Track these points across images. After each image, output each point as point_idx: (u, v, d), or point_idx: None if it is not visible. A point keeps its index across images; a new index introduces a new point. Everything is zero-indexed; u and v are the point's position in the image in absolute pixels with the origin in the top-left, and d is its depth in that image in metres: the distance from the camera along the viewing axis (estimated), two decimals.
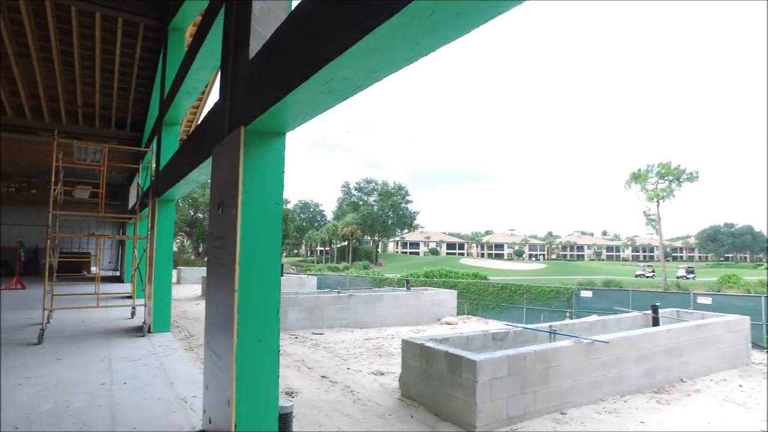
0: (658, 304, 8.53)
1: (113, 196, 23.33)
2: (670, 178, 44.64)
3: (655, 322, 8.21)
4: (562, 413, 5.23)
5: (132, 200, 17.69)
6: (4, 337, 7.39)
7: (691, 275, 56.92)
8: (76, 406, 4.35)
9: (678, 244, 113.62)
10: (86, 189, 18.27)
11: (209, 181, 4.55)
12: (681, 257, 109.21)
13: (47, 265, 7.97)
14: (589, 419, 5.07)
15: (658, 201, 45.26)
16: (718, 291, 28.44)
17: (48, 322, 7.78)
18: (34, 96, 12.31)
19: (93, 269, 20.21)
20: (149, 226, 8.36)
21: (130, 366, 5.82)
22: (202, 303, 12.88)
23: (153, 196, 8.29)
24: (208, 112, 4.75)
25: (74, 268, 18.98)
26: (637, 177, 46.33)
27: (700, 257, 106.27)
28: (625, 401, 5.75)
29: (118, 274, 20.86)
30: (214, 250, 3.67)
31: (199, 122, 7.58)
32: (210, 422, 3.56)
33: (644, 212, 47.73)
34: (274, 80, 2.79)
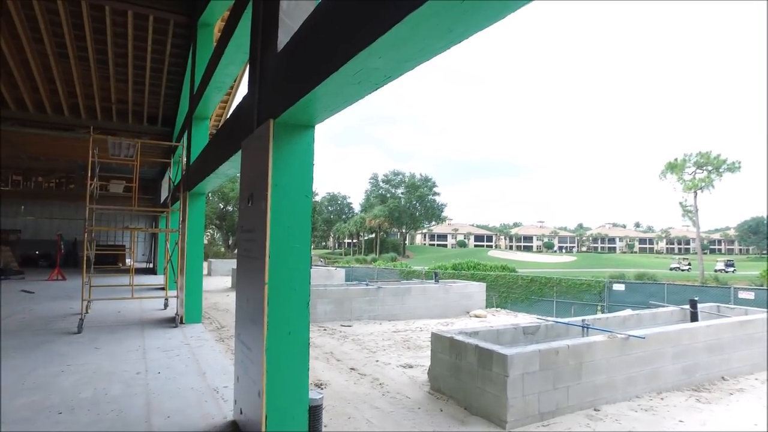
0: (696, 298, 8.21)
1: (146, 190, 23.99)
2: (710, 168, 42.98)
3: (694, 318, 7.91)
4: (595, 410, 5.10)
5: (164, 194, 18.12)
6: (48, 326, 7.69)
7: (731, 269, 54.81)
8: (113, 393, 4.48)
9: (716, 236, 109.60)
10: (120, 183, 18.84)
11: (239, 174, 4.59)
12: (719, 250, 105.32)
13: (85, 258, 8.23)
14: (624, 416, 4.93)
15: (695, 192, 43.70)
16: (761, 285, 27.29)
17: (87, 313, 8.04)
18: (72, 94, 12.70)
19: (128, 261, 20.84)
20: (180, 219, 8.53)
21: (164, 356, 5.96)
22: (233, 295, 13.12)
23: (184, 189, 8.45)
24: (237, 105, 4.78)
25: (110, 260, 19.61)
26: (674, 167, 44.80)
27: (740, 250, 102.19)
28: (662, 399, 5.57)
29: (151, 266, 21.45)
30: (245, 243, 3.70)
31: (228, 116, 7.67)
32: (241, 413, 3.60)
33: (680, 203, 46.17)
34: (302, 72, 2.77)
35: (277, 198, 3.23)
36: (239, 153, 4.32)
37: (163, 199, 18.18)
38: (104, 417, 3.89)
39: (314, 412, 3.41)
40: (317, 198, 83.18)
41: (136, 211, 13.74)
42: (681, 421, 4.83)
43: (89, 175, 8.67)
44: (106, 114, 14.07)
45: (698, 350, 6.33)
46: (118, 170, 19.76)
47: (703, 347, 6.40)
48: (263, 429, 3.07)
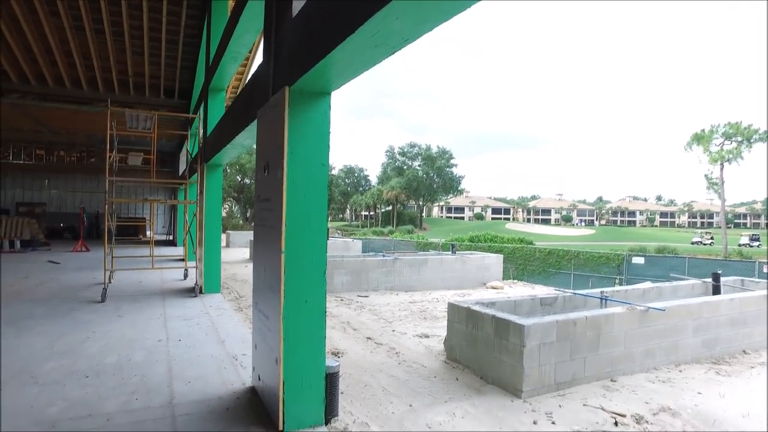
0: (719, 271, 8.05)
1: (164, 162, 24.25)
2: (739, 138, 41.53)
3: (716, 291, 7.78)
4: (612, 380, 5.09)
5: (182, 166, 18.29)
6: (74, 295, 7.92)
7: (756, 243, 53.57)
8: (136, 360, 4.61)
9: (742, 210, 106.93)
10: (139, 156, 19.05)
11: (255, 145, 4.57)
12: (745, 224, 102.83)
13: (106, 229, 8.40)
14: (641, 388, 4.91)
15: (722, 164, 42.44)
16: None
17: (110, 282, 8.26)
18: (89, 68, 12.74)
19: (148, 233, 21.24)
20: (198, 191, 8.60)
21: (184, 325, 6.11)
22: (250, 266, 13.34)
23: (201, 161, 8.49)
24: (253, 74, 4.73)
25: (131, 232, 20.03)
26: (700, 138, 43.43)
27: (767, 224, 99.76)
28: (680, 371, 5.52)
29: (171, 238, 21.85)
30: (261, 212, 3.70)
31: (243, 86, 7.58)
32: (259, 379, 3.67)
33: (705, 176, 44.95)
34: (318, 37, 2.70)
35: (293, 167, 3.20)
36: (255, 123, 4.29)
37: (181, 171, 18.35)
38: (128, 381, 4.02)
39: (331, 379, 3.46)
40: (334, 171, 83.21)
41: (155, 183, 13.92)
42: (699, 393, 4.80)
43: (108, 148, 8.76)
44: (123, 87, 14.12)
45: (720, 324, 6.24)
46: (137, 143, 19.98)
47: (725, 321, 6.30)
48: (281, 395, 3.13)
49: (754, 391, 5.00)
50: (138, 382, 4.02)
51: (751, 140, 41.06)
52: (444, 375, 5.15)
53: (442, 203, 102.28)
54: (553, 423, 3.98)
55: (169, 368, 4.39)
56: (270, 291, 3.39)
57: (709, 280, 8.03)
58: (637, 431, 3.89)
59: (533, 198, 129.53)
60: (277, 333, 3.18)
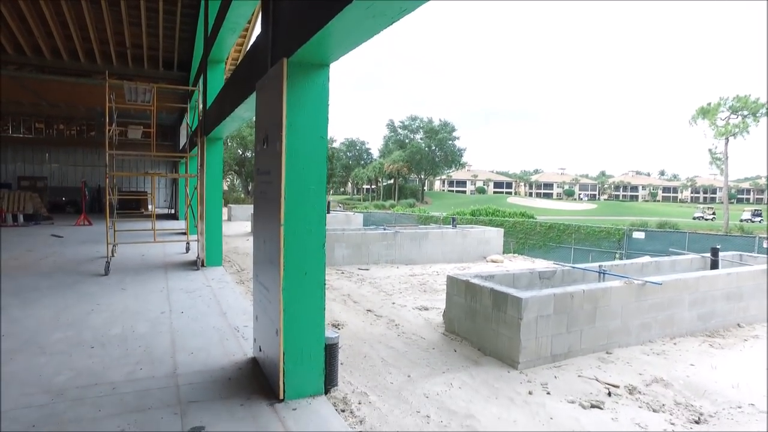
0: (718, 246, 8.08)
1: (164, 136, 24.11)
2: (746, 112, 40.94)
3: (714, 266, 7.83)
4: (607, 353, 5.18)
5: (182, 140, 18.21)
6: (78, 268, 8.00)
7: (758, 218, 53.50)
8: (140, 331, 4.70)
9: (746, 185, 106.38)
10: (138, 129, 18.94)
11: (254, 118, 4.55)
12: (748, 199, 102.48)
13: (107, 203, 8.43)
14: (636, 360, 5.00)
15: (727, 138, 41.99)
16: None
17: (112, 256, 8.33)
18: (86, 39, 12.54)
19: (150, 207, 21.30)
20: (199, 164, 8.59)
21: (187, 297, 6.19)
22: (252, 239, 13.38)
23: (201, 134, 8.45)
24: (251, 46, 4.67)
25: (133, 206, 20.09)
26: (706, 112, 42.83)
27: None
28: (675, 344, 5.61)
29: (172, 211, 21.91)
30: (261, 185, 3.71)
31: (242, 58, 7.45)
32: (260, 350, 3.75)
33: (709, 150, 44.52)
34: (315, 7, 2.66)
35: (292, 139, 3.20)
36: (254, 95, 4.26)
37: (181, 144, 18.28)
38: (132, 352, 4.11)
39: (330, 350, 3.53)
40: (336, 144, 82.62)
41: (155, 157, 13.88)
42: (692, 365, 4.89)
43: (107, 121, 8.71)
44: (121, 59, 13.93)
45: (716, 298, 6.31)
46: (137, 116, 19.83)
47: (721, 295, 6.37)
48: (281, 365, 3.20)
49: (745, 362, 5.09)
50: (142, 352, 4.11)
51: (758, 114, 40.51)
52: (442, 347, 5.25)
53: (443, 177, 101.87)
54: (548, 393, 4.08)
55: (172, 339, 4.48)
56: (270, 263, 3.43)
57: (708, 254, 8.07)
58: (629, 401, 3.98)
59: (536, 172, 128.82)
60: (277, 305, 3.24)
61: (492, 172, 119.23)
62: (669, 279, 5.91)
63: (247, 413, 3.03)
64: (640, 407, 3.86)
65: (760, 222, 50.54)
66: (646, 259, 8.36)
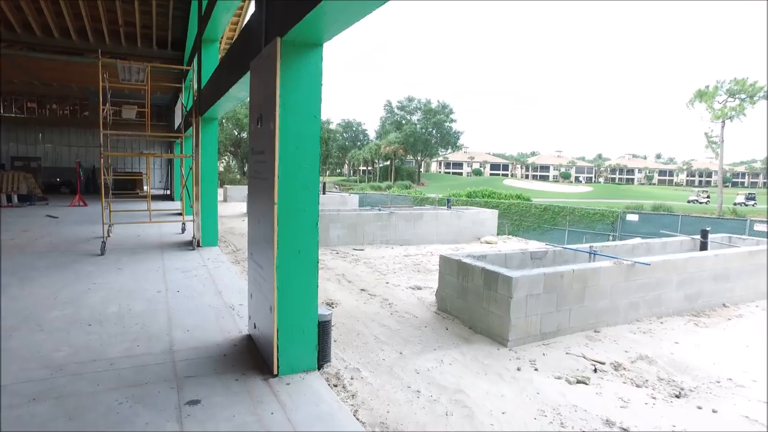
0: (708, 228, 8.19)
1: (159, 116, 23.92)
2: (743, 96, 40.86)
3: (703, 247, 7.95)
4: (595, 331, 5.30)
5: (177, 120, 18.09)
6: (74, 248, 8.05)
7: (751, 202, 53.79)
8: (136, 309, 4.78)
9: (741, 168, 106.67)
10: (132, 109, 18.78)
11: (249, 98, 4.55)
12: (743, 183, 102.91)
13: (102, 184, 8.44)
14: (623, 338, 5.13)
15: (723, 121, 41.99)
16: None
17: (108, 236, 8.37)
18: (77, 16, 12.35)
19: (145, 188, 21.27)
20: (194, 144, 8.58)
21: (183, 276, 6.26)
22: (247, 220, 13.42)
23: (196, 114, 8.43)
24: (245, 25, 4.66)
25: (128, 187, 20.04)
26: (704, 95, 42.72)
27: (765, 183, 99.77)
28: (661, 323, 5.74)
29: (168, 192, 21.87)
30: (255, 164, 3.75)
31: (236, 37, 7.35)
32: (255, 327, 3.83)
33: (705, 134, 44.56)
34: None
35: (286, 118, 3.23)
36: (248, 74, 4.26)
37: (176, 125, 18.17)
38: (129, 330, 4.18)
39: (323, 327, 3.62)
40: (332, 125, 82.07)
41: (150, 137, 13.83)
42: (676, 343, 5.02)
43: (101, 101, 8.66)
44: (114, 37, 13.73)
45: (703, 278, 6.43)
46: (131, 96, 19.63)
47: (709, 276, 6.49)
48: (275, 342, 3.28)
49: (727, 341, 5.23)
50: (139, 330, 4.18)
51: (755, 98, 40.45)
52: (434, 325, 5.36)
53: (440, 158, 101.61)
54: (536, 370, 4.19)
55: (168, 317, 4.56)
56: (264, 242, 3.48)
57: (698, 236, 8.18)
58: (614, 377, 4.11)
59: (532, 154, 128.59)
60: (271, 282, 3.31)
61: (489, 154, 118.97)
62: (658, 260, 6.01)
63: (242, 387, 3.12)
64: (624, 383, 3.99)
65: (753, 205, 50.84)
66: (636, 240, 8.47)
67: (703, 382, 4.06)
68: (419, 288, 7.03)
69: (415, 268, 8.65)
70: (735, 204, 50.35)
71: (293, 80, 3.25)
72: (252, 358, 3.59)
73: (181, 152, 11.64)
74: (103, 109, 8.79)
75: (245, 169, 60.71)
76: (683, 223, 15.81)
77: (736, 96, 41.72)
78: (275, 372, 3.30)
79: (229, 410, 2.81)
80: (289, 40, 3.17)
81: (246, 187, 25.56)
